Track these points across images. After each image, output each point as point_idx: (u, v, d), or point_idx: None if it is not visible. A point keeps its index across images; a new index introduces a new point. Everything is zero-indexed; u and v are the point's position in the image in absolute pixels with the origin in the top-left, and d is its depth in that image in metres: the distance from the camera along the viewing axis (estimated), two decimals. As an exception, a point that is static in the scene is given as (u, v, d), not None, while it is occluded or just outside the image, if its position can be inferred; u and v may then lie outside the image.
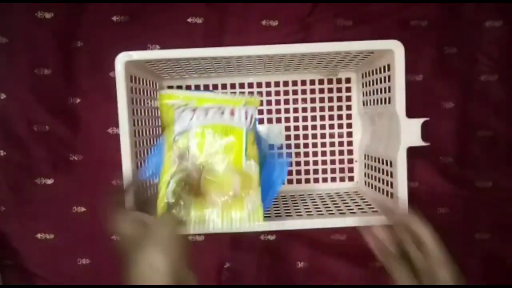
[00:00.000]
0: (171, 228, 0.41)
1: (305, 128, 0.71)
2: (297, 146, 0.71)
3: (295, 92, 0.70)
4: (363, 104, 0.67)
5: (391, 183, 0.56)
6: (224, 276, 0.70)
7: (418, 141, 0.52)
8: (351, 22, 0.68)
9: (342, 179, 0.71)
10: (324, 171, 0.71)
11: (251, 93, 0.69)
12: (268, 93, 0.70)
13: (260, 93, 0.70)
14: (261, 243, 0.70)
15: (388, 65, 0.55)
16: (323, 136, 0.71)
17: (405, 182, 0.53)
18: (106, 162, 0.68)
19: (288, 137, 0.71)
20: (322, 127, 0.71)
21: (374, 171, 0.63)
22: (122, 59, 0.52)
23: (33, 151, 0.69)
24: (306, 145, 0.71)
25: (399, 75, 0.52)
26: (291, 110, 0.70)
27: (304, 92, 0.70)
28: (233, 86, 0.69)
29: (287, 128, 0.71)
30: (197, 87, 0.69)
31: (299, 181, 0.71)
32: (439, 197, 0.70)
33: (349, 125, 0.70)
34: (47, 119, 0.68)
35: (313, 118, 0.70)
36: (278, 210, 0.59)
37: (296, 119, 0.70)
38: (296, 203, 0.62)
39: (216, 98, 0.52)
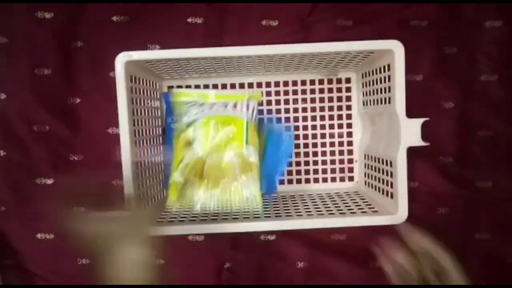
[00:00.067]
0: (148, 223, 0.42)
1: (305, 128, 0.71)
2: (297, 146, 0.71)
3: (295, 92, 0.70)
4: (363, 104, 0.67)
5: (391, 183, 0.57)
6: (224, 276, 0.70)
7: (418, 141, 0.52)
8: (351, 22, 0.68)
9: (342, 179, 0.71)
10: (324, 171, 0.71)
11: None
12: (268, 93, 0.70)
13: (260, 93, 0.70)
14: (261, 243, 0.70)
15: (388, 65, 0.55)
16: (323, 136, 0.71)
17: (405, 182, 0.53)
18: (106, 162, 0.68)
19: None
20: (322, 127, 0.71)
21: (374, 171, 0.63)
22: (122, 59, 0.53)
23: (33, 151, 0.69)
24: (306, 145, 0.71)
25: (399, 75, 0.53)
26: (291, 110, 0.70)
27: (304, 92, 0.70)
28: (233, 86, 0.69)
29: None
30: (197, 87, 0.69)
31: (299, 181, 0.71)
32: (439, 197, 0.70)
33: (349, 125, 0.70)
34: (47, 119, 0.68)
35: (313, 118, 0.70)
36: (278, 210, 0.59)
37: (296, 119, 0.70)
38: (296, 203, 0.62)
39: (222, 94, 0.56)
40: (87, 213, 0.44)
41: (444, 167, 0.70)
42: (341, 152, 0.71)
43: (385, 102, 0.58)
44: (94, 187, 0.46)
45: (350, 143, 0.71)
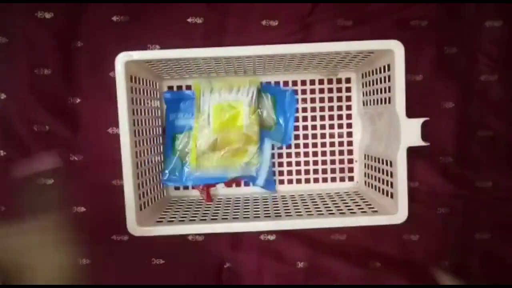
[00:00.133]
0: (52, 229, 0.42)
1: (305, 128, 0.71)
2: (297, 146, 0.71)
3: (295, 92, 0.70)
4: (363, 104, 0.67)
5: (391, 183, 0.57)
6: (224, 276, 0.70)
7: (418, 141, 0.52)
8: (351, 22, 0.68)
9: (342, 179, 0.71)
10: (324, 171, 0.71)
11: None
12: (268, 93, 0.70)
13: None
14: (261, 243, 0.70)
15: (388, 65, 0.55)
16: (323, 136, 0.71)
17: (405, 182, 0.53)
18: (106, 162, 0.68)
19: (288, 137, 0.71)
20: (322, 127, 0.71)
21: (374, 171, 0.63)
22: (122, 59, 0.53)
23: (33, 151, 0.68)
24: (306, 145, 0.71)
25: (399, 75, 0.52)
26: (291, 110, 0.70)
27: (304, 92, 0.70)
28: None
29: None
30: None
31: (299, 181, 0.71)
32: (439, 197, 0.70)
33: (349, 125, 0.70)
34: (47, 119, 0.68)
35: (313, 118, 0.70)
36: (278, 210, 0.59)
37: (296, 119, 0.70)
38: (296, 203, 0.62)
39: (228, 80, 0.67)
40: None
41: (444, 167, 0.70)
42: (341, 152, 0.71)
43: (385, 102, 0.58)
44: None
45: (350, 143, 0.71)
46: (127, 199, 0.54)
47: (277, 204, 0.62)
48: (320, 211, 0.58)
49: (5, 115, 0.68)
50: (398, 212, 0.54)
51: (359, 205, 0.60)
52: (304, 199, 0.64)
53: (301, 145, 0.71)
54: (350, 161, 0.71)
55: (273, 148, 0.70)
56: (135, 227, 0.54)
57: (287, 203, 0.62)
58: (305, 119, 0.70)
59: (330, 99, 0.70)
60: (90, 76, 0.68)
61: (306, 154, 0.71)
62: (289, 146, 0.71)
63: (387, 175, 0.58)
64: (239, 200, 0.66)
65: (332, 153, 0.71)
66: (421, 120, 0.52)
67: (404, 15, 0.68)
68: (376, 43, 0.53)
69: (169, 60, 0.56)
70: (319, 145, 0.71)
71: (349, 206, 0.60)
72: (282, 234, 0.70)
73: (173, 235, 0.55)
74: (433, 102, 0.69)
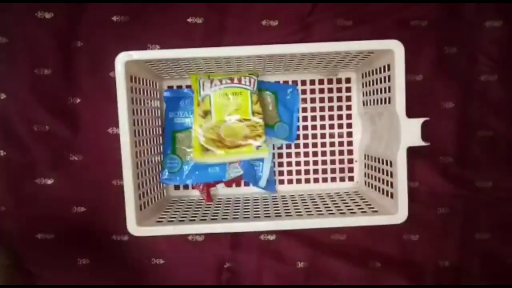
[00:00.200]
0: None
1: (305, 128, 0.71)
2: (297, 146, 0.71)
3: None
4: (363, 104, 0.67)
5: (391, 183, 0.56)
6: (224, 276, 0.70)
7: (418, 141, 0.52)
8: (351, 22, 0.68)
9: (342, 179, 0.71)
10: (324, 171, 0.71)
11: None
12: (268, 93, 0.70)
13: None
14: (261, 243, 0.70)
15: (388, 65, 0.55)
16: (323, 136, 0.71)
17: (405, 182, 0.53)
18: (106, 162, 0.68)
19: (288, 137, 0.71)
20: (322, 127, 0.71)
21: (374, 171, 0.63)
22: (122, 59, 0.52)
23: (33, 151, 0.69)
24: (306, 145, 0.71)
25: (399, 75, 0.52)
26: (291, 110, 0.70)
27: (304, 92, 0.70)
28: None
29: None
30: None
31: (299, 181, 0.71)
32: (439, 197, 0.70)
33: (349, 125, 0.70)
34: (47, 119, 0.68)
35: (313, 118, 0.70)
36: (278, 210, 0.59)
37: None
38: (296, 203, 0.62)
39: (227, 72, 0.66)
40: None
41: (444, 167, 0.70)
42: (341, 152, 0.71)
43: (385, 102, 0.58)
44: None
45: (350, 143, 0.71)
46: (127, 199, 0.54)
47: (277, 204, 0.62)
48: (320, 211, 0.58)
49: (5, 115, 0.68)
50: (398, 212, 0.54)
51: (359, 205, 0.60)
52: (304, 199, 0.64)
53: (301, 145, 0.71)
54: (350, 161, 0.71)
55: (273, 148, 0.70)
56: (135, 227, 0.54)
57: (287, 203, 0.62)
58: (305, 119, 0.70)
59: (330, 99, 0.70)
60: (90, 76, 0.68)
61: (306, 154, 0.71)
62: (289, 146, 0.71)
63: (387, 175, 0.58)
64: (239, 200, 0.66)
65: (332, 153, 0.71)
66: (421, 120, 0.52)
67: (404, 15, 0.68)
68: (376, 43, 0.53)
69: (169, 60, 0.56)
70: (319, 145, 0.71)
71: (349, 206, 0.60)
72: (282, 234, 0.70)
73: (173, 235, 0.55)
74: (433, 102, 0.69)
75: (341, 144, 0.71)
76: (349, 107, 0.70)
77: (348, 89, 0.70)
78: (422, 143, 0.52)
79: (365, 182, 0.68)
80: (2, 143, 0.69)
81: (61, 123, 0.68)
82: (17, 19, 0.67)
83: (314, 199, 0.64)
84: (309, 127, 0.71)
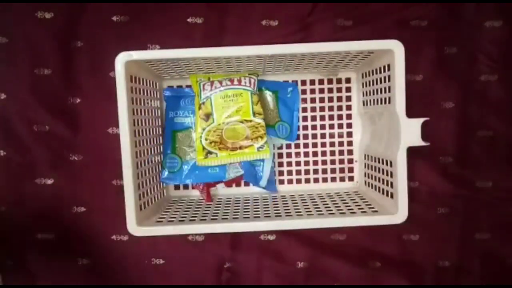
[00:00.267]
0: None
1: (305, 128, 0.71)
2: (297, 146, 0.71)
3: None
4: (363, 104, 0.67)
5: (391, 183, 0.56)
6: (224, 276, 0.70)
7: (418, 141, 0.52)
8: (351, 22, 0.68)
9: (342, 179, 0.71)
10: (324, 171, 0.71)
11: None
12: (268, 93, 0.70)
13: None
14: (261, 243, 0.70)
15: (388, 65, 0.55)
16: (323, 136, 0.71)
17: (405, 182, 0.53)
18: (106, 162, 0.68)
19: (288, 137, 0.71)
20: (322, 127, 0.71)
21: (374, 171, 0.63)
22: (122, 59, 0.52)
23: (33, 151, 0.69)
24: (306, 145, 0.71)
25: (399, 75, 0.52)
26: (291, 110, 0.70)
27: (304, 92, 0.70)
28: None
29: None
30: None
31: (299, 181, 0.71)
32: (439, 197, 0.70)
33: (349, 125, 0.70)
34: (47, 119, 0.68)
35: (313, 118, 0.70)
36: (278, 210, 0.59)
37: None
38: (296, 203, 0.62)
39: (227, 73, 0.66)
40: None
41: (444, 167, 0.70)
42: (341, 152, 0.71)
43: (385, 102, 0.58)
44: None
45: (350, 143, 0.71)
46: (127, 199, 0.54)
47: (277, 204, 0.62)
48: (320, 211, 0.58)
49: (5, 115, 0.68)
50: (398, 212, 0.54)
51: (359, 205, 0.60)
52: (304, 199, 0.64)
53: (301, 145, 0.71)
54: (350, 161, 0.71)
55: (273, 148, 0.70)
56: (135, 227, 0.54)
57: (287, 203, 0.62)
58: (305, 119, 0.70)
59: (330, 99, 0.70)
60: (90, 76, 0.68)
61: (306, 154, 0.71)
62: (289, 146, 0.71)
63: (387, 175, 0.58)
64: (239, 200, 0.66)
65: (332, 153, 0.71)
66: (421, 120, 0.52)
67: (404, 15, 0.68)
68: (376, 43, 0.53)
69: (169, 60, 0.56)
70: (319, 145, 0.71)
71: (349, 206, 0.60)
72: (282, 234, 0.70)
73: (173, 235, 0.55)
74: (433, 102, 0.69)
75: (341, 144, 0.71)
76: (349, 107, 0.70)
77: (348, 89, 0.70)
78: (422, 143, 0.52)
79: (365, 182, 0.68)
80: (2, 143, 0.69)
81: (61, 123, 0.68)
82: (17, 19, 0.67)
83: (314, 199, 0.64)
84: (309, 127, 0.71)
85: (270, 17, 0.68)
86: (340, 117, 0.70)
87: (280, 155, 0.71)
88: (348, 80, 0.70)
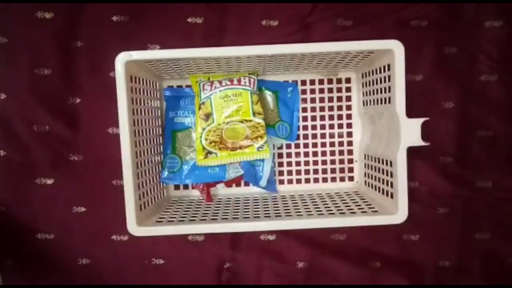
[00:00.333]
0: None
1: (305, 128, 0.71)
2: (297, 146, 0.71)
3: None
4: (363, 104, 0.67)
5: (391, 183, 0.56)
6: (224, 276, 0.70)
7: (418, 141, 0.52)
8: (351, 22, 0.68)
9: (342, 179, 0.71)
10: (324, 171, 0.71)
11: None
12: (268, 93, 0.70)
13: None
14: (261, 243, 0.70)
15: (388, 65, 0.55)
16: (323, 136, 0.71)
17: (405, 182, 0.53)
18: (106, 162, 0.68)
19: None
20: (322, 127, 0.71)
21: (374, 171, 0.63)
22: (122, 59, 0.52)
23: (33, 151, 0.69)
24: (306, 145, 0.71)
25: (399, 75, 0.52)
26: (291, 110, 0.70)
27: (304, 92, 0.70)
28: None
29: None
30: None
31: (299, 181, 0.71)
32: (439, 197, 0.70)
33: (349, 125, 0.70)
34: (47, 119, 0.68)
35: (313, 118, 0.70)
36: (278, 210, 0.59)
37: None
38: (296, 203, 0.62)
39: (227, 73, 0.66)
40: None
41: (444, 167, 0.70)
42: (341, 152, 0.71)
43: (385, 102, 0.58)
44: None
45: (350, 143, 0.71)
46: (127, 199, 0.54)
47: (277, 204, 0.62)
48: (320, 211, 0.58)
49: (5, 115, 0.68)
50: (398, 212, 0.54)
51: (359, 205, 0.60)
52: (304, 199, 0.64)
53: (301, 145, 0.71)
54: (350, 161, 0.71)
55: (273, 148, 0.70)
56: (135, 227, 0.54)
57: (287, 203, 0.62)
58: (305, 119, 0.70)
59: (330, 99, 0.70)
60: (90, 76, 0.68)
61: (306, 154, 0.71)
62: (289, 146, 0.71)
63: (387, 175, 0.58)
64: (239, 200, 0.66)
65: (332, 153, 0.71)
66: (421, 120, 0.52)
67: (404, 15, 0.68)
68: (376, 43, 0.53)
69: (169, 60, 0.56)
70: (319, 145, 0.71)
71: (349, 206, 0.60)
72: (282, 234, 0.70)
73: (173, 235, 0.55)
74: (433, 102, 0.69)
75: (341, 144, 0.71)
76: (349, 107, 0.70)
77: (348, 89, 0.70)
78: (422, 143, 0.52)
79: (365, 182, 0.68)
80: (2, 143, 0.69)
81: (61, 123, 0.68)
82: (17, 19, 0.67)
83: (314, 199, 0.64)
84: (309, 127, 0.71)
85: (270, 17, 0.68)
86: (340, 117, 0.70)
87: (280, 155, 0.71)
88: (348, 80, 0.70)
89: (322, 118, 0.70)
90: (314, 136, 0.71)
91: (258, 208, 0.61)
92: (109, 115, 0.64)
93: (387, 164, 0.58)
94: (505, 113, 0.69)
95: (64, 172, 0.69)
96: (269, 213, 0.58)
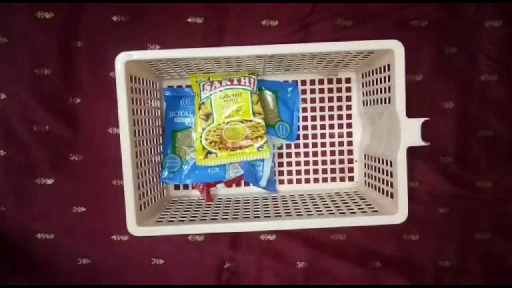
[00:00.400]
0: None
1: (305, 128, 0.71)
2: (297, 146, 0.71)
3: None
4: (363, 104, 0.67)
5: (391, 183, 0.56)
6: (224, 276, 0.70)
7: (418, 141, 0.52)
8: (351, 22, 0.68)
9: (342, 179, 0.71)
10: (324, 171, 0.71)
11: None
12: (268, 93, 0.70)
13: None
14: (261, 243, 0.70)
15: (388, 65, 0.55)
16: (323, 136, 0.71)
17: (405, 182, 0.53)
18: (106, 162, 0.68)
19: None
20: (322, 127, 0.71)
21: (374, 171, 0.63)
22: (122, 59, 0.52)
23: (33, 151, 0.69)
24: (306, 145, 0.71)
25: (399, 75, 0.52)
26: (291, 110, 0.70)
27: (304, 92, 0.70)
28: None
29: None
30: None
31: (299, 181, 0.71)
32: (439, 197, 0.70)
33: (349, 125, 0.70)
34: (47, 119, 0.68)
35: (313, 118, 0.70)
36: (278, 210, 0.59)
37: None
38: (296, 203, 0.62)
39: (227, 73, 0.66)
40: None
41: (444, 167, 0.70)
42: (341, 152, 0.71)
43: (385, 102, 0.58)
44: None
45: (350, 143, 0.71)
46: (127, 199, 0.54)
47: (277, 204, 0.62)
48: (320, 211, 0.58)
49: (5, 115, 0.68)
50: (398, 212, 0.54)
51: (359, 205, 0.60)
52: (304, 199, 0.64)
53: (301, 145, 0.71)
54: (350, 161, 0.71)
55: (273, 148, 0.70)
56: (135, 227, 0.54)
57: (287, 203, 0.62)
58: (305, 119, 0.70)
59: (330, 99, 0.70)
60: (90, 76, 0.68)
61: (306, 154, 0.71)
62: (289, 146, 0.71)
63: (387, 175, 0.58)
64: (239, 200, 0.66)
65: (332, 153, 0.71)
66: (421, 120, 0.52)
67: (404, 15, 0.68)
68: (376, 43, 0.53)
69: (169, 60, 0.56)
70: (319, 145, 0.71)
71: (349, 206, 0.60)
72: (282, 234, 0.70)
73: (173, 235, 0.55)
74: (433, 102, 0.69)
75: (341, 144, 0.71)
76: (349, 107, 0.70)
77: (348, 89, 0.70)
78: (422, 143, 0.52)
79: (365, 182, 0.68)
80: (2, 143, 0.69)
81: (61, 123, 0.69)
82: (17, 19, 0.67)
83: (314, 199, 0.64)
84: (309, 127, 0.71)
85: (270, 17, 0.68)
86: (340, 117, 0.70)
87: (280, 155, 0.71)
88: (348, 80, 0.70)
89: (322, 118, 0.70)
90: (314, 136, 0.71)
91: (258, 208, 0.61)
92: (109, 115, 0.64)
93: (387, 164, 0.58)
94: (505, 113, 0.69)
95: (64, 172, 0.69)
96: (269, 213, 0.58)
